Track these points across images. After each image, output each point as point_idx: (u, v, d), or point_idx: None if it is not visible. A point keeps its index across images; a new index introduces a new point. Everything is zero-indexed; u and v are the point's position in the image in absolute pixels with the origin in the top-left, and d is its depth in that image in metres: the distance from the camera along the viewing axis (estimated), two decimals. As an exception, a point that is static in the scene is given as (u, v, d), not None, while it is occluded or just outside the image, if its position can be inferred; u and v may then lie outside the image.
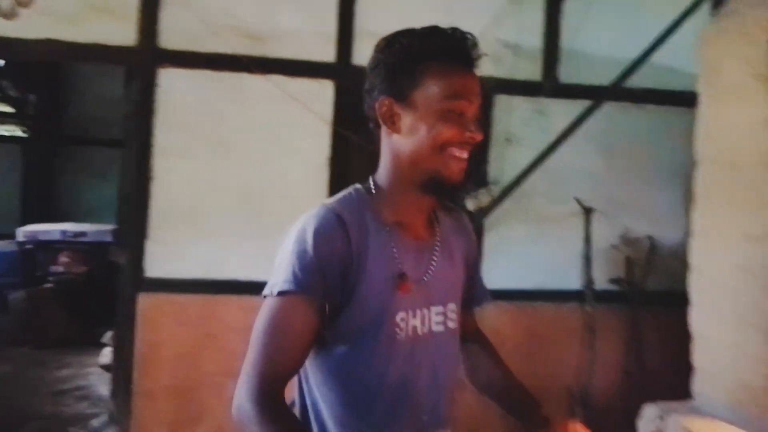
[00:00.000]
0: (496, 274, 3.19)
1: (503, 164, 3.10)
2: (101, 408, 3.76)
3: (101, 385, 4.19)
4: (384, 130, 1.08)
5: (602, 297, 3.20)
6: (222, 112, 2.90)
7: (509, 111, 3.12)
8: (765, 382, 1.62)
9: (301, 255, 1.00)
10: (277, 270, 1.02)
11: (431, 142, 1.04)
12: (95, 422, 3.56)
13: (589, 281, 3.18)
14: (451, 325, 1.13)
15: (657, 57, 2.76)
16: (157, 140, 2.86)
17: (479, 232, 3.16)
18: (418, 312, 1.08)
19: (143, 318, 2.86)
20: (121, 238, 3.61)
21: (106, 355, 4.26)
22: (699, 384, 1.90)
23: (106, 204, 6.86)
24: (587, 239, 3.19)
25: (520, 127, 3.13)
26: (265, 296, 1.02)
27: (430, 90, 1.04)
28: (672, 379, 2.62)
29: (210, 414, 2.89)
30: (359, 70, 1.18)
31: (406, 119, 1.05)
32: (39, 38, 2.77)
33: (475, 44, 1.06)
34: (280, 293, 0.99)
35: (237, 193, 2.92)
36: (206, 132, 2.90)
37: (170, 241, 2.87)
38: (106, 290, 4.61)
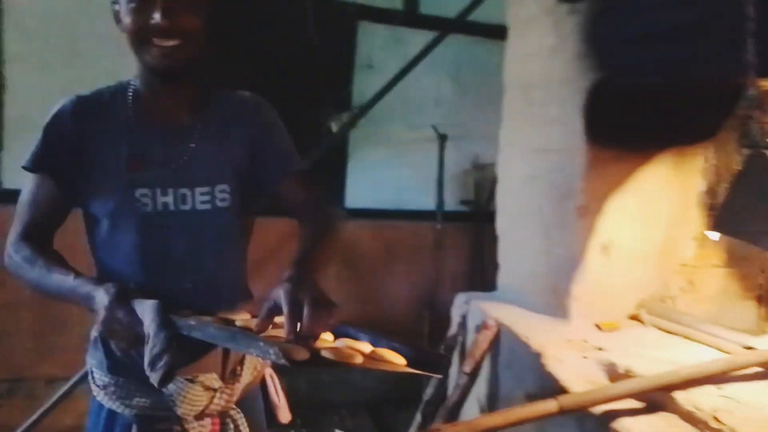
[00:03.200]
0: (357, 194, 3.47)
1: (365, 90, 3.29)
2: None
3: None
4: None
5: (452, 216, 3.56)
6: (75, 18, 2.84)
7: (371, 37, 3.29)
8: (545, 269, 1.98)
9: (42, 135, 1.15)
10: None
11: (126, 34, 1.10)
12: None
13: (440, 202, 3.52)
14: (221, 204, 1.17)
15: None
16: (7, 47, 2.76)
17: (343, 156, 3.39)
18: (171, 191, 1.14)
19: (3, 230, 2.84)
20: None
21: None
22: (501, 277, 2.26)
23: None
24: (441, 164, 3.50)
25: (380, 53, 3.32)
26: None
27: None
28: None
29: (73, 323, 2.97)
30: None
31: (120, 11, 1.12)
32: None
33: None
34: (25, 167, 1.16)
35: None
36: (59, 40, 2.83)
37: (25, 152, 2.83)
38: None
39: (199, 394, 1.15)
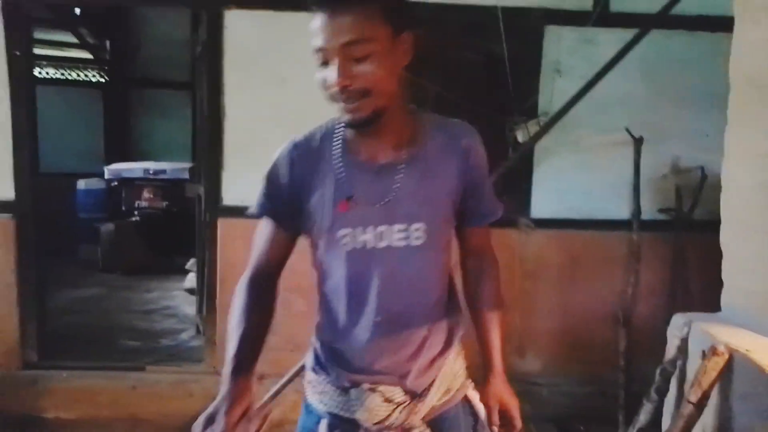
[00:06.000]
0: (545, 204, 3.35)
1: (552, 95, 3.18)
2: (188, 324, 4.24)
3: (186, 305, 4.68)
4: None
5: (650, 226, 3.29)
6: (282, 48, 3.07)
7: (558, 41, 3.16)
8: (783, 291, 1.75)
9: (264, 183, 1.25)
10: None
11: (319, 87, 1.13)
12: (184, 335, 4.04)
13: (636, 210, 3.27)
14: (416, 242, 1.18)
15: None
16: (227, 79, 3.11)
17: (529, 164, 3.30)
18: (371, 228, 1.17)
19: (222, 242, 3.20)
20: (199, 171, 3.94)
21: (191, 280, 4.72)
22: (726, 296, 2.03)
23: (174, 143, 7.28)
24: (636, 169, 3.26)
25: (568, 57, 3.18)
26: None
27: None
28: (715, 301, 2.75)
29: (281, 325, 3.23)
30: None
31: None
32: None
33: None
34: (251, 214, 1.27)
35: (298, 127, 3.13)
36: (268, 69, 3.11)
37: (241, 172, 3.15)
38: (182, 223, 5.08)
39: (378, 404, 1.21)
